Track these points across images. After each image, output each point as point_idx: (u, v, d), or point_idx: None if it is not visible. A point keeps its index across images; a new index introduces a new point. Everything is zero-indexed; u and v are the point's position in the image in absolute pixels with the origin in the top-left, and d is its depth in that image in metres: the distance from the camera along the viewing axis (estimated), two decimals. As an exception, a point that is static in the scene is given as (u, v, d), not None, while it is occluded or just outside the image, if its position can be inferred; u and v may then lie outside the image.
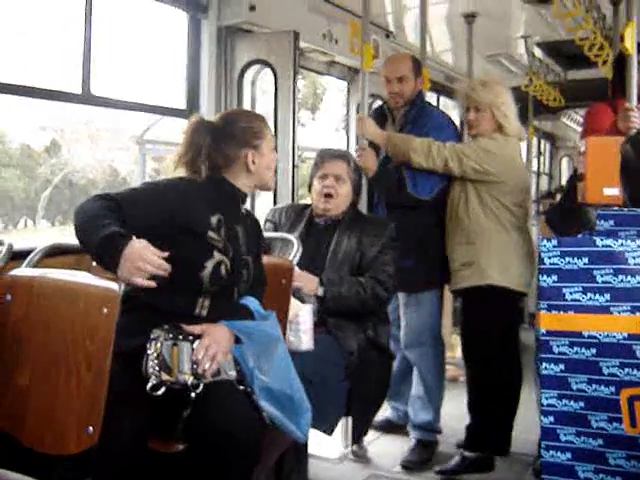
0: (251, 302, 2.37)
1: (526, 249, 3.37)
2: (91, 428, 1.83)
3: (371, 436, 3.73)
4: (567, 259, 2.20)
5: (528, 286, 3.40)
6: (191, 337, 2.15)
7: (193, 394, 2.06)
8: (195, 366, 2.10)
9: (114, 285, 1.91)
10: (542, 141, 9.96)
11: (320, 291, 2.85)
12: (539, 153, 9.93)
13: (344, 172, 3.08)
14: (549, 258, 2.22)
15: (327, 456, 3.51)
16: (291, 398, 2.24)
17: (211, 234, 2.27)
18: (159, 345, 2.09)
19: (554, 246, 2.23)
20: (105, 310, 1.87)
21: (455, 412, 3.68)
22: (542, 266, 2.24)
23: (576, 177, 3.03)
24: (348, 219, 3.08)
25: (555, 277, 2.22)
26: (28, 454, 1.94)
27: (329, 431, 2.84)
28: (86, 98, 3.17)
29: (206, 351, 2.12)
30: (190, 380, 2.07)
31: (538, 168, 9.74)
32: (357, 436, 3.36)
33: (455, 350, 5.05)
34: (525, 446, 3.45)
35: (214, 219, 2.30)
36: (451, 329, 5.06)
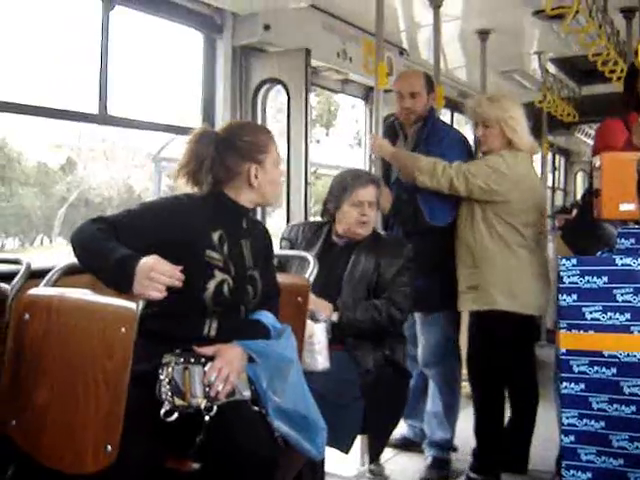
0: (265, 317, 2.35)
1: (538, 270, 3.31)
2: (109, 447, 1.84)
3: (388, 454, 3.71)
4: (587, 278, 2.19)
5: (541, 308, 3.37)
6: (203, 360, 2.13)
7: (207, 417, 2.05)
8: (208, 389, 2.09)
9: (132, 304, 1.92)
10: (557, 156, 9.94)
11: (335, 316, 2.84)
12: (554, 168, 9.90)
13: (375, 197, 3.07)
14: (568, 277, 2.21)
15: (344, 474, 3.49)
16: (305, 417, 2.22)
17: (210, 253, 2.23)
18: (170, 370, 2.08)
19: (573, 265, 2.22)
20: (123, 329, 1.88)
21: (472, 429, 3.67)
22: (561, 285, 2.23)
23: (591, 193, 3.02)
24: (367, 240, 3.07)
25: (575, 296, 2.22)
26: (46, 473, 1.95)
27: (346, 449, 2.83)
28: (103, 118, 3.20)
29: (218, 373, 2.10)
30: (203, 404, 2.06)
31: (553, 183, 9.71)
32: (374, 454, 3.34)
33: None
34: (544, 463, 3.42)
35: (215, 236, 2.26)
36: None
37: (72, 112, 3.20)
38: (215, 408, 2.06)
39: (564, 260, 2.21)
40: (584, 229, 3.01)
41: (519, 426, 3.47)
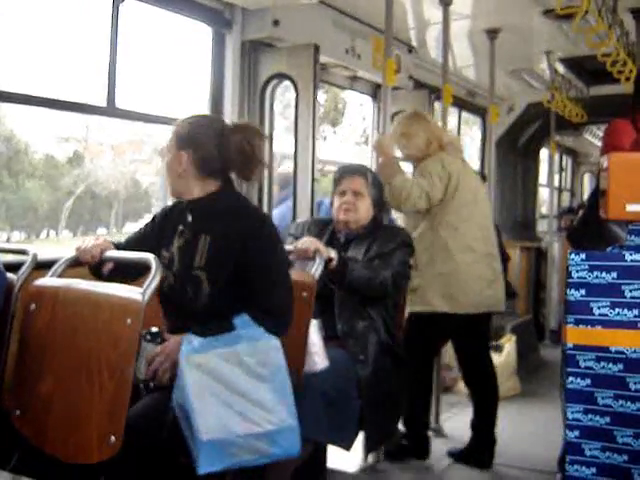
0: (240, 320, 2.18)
1: (479, 272, 3.46)
2: (113, 437, 1.84)
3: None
4: (595, 273, 2.20)
5: (480, 305, 3.49)
6: (159, 340, 2.17)
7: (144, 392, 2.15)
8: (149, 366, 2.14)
9: (138, 296, 1.93)
10: (564, 157, 9.92)
11: (333, 253, 2.79)
12: (561, 169, 9.89)
13: (362, 187, 3.09)
14: (577, 272, 2.22)
15: (345, 470, 3.50)
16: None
17: (163, 251, 2.36)
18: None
19: (582, 260, 2.22)
20: (129, 321, 1.89)
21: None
22: (570, 280, 2.23)
23: (596, 193, 3.02)
24: (366, 232, 3.09)
25: (583, 291, 2.22)
26: (50, 463, 1.96)
27: (347, 446, 2.84)
28: (111, 111, 3.21)
29: (157, 356, 2.13)
30: (142, 377, 2.12)
31: (560, 184, 9.71)
32: (369, 448, 3.35)
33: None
34: (545, 463, 3.42)
35: (179, 230, 2.37)
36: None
37: (80, 104, 3.20)
38: (151, 386, 2.14)
39: (573, 255, 2.22)
40: (589, 230, 3.01)
41: (479, 423, 3.61)
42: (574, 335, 2.22)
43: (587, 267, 2.22)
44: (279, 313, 2.26)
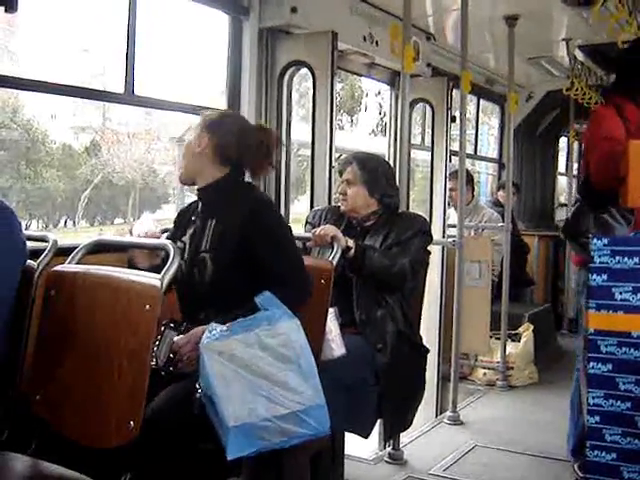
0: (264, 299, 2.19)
1: None
2: (132, 422, 1.85)
3: (407, 438, 3.72)
4: (617, 258, 2.19)
5: None
6: (182, 328, 2.24)
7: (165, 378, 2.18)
8: (172, 356, 2.19)
9: (157, 282, 1.93)
10: (583, 145, 9.84)
11: (351, 242, 2.84)
12: (580, 157, 9.80)
13: (351, 175, 3.12)
14: (599, 257, 2.21)
15: (363, 457, 3.51)
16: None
17: (178, 243, 2.42)
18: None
19: (605, 245, 2.21)
20: (147, 307, 1.90)
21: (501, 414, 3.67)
22: (592, 265, 2.22)
23: (588, 182, 3.00)
24: (382, 221, 3.09)
25: (605, 276, 2.21)
26: (69, 448, 1.98)
27: (365, 434, 2.84)
28: (129, 98, 3.21)
29: (184, 347, 2.19)
30: (162, 364, 2.17)
31: (579, 172, 9.63)
32: (387, 436, 3.36)
33: (494, 355, 5.02)
34: (565, 451, 3.41)
35: (191, 221, 2.49)
36: (489, 333, 5.02)
37: (98, 91, 3.22)
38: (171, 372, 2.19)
39: (595, 240, 2.20)
40: (584, 222, 2.97)
41: None
42: (595, 320, 2.21)
43: (609, 252, 2.21)
44: (295, 281, 2.33)
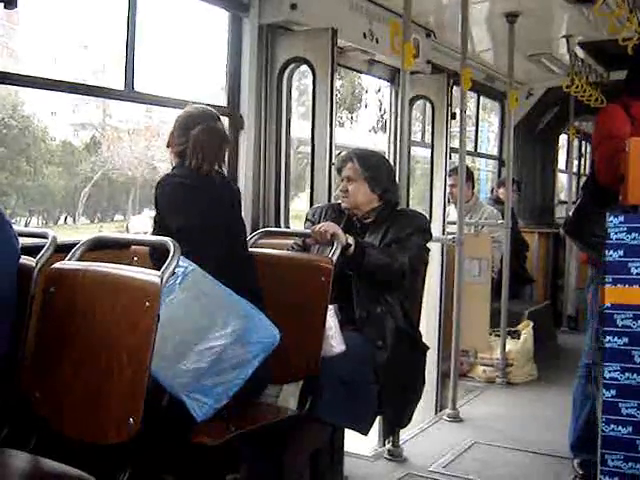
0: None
1: None
2: (132, 419, 1.85)
3: (407, 435, 3.73)
4: (633, 234, 2.28)
5: None
6: None
7: None
8: None
9: (156, 279, 1.93)
10: (583, 142, 9.84)
11: (351, 240, 2.83)
12: (580, 155, 9.81)
13: (352, 171, 3.12)
14: (615, 233, 2.30)
15: (362, 454, 3.51)
16: None
17: None
18: None
19: (621, 222, 2.30)
20: (147, 303, 1.89)
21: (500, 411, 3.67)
22: (609, 241, 2.30)
23: (593, 181, 3.00)
24: (382, 217, 3.09)
25: (621, 252, 2.30)
26: (68, 445, 1.98)
27: (365, 431, 2.84)
28: (129, 95, 3.20)
29: None
30: None
31: (579, 169, 9.63)
32: (387, 433, 3.36)
33: (493, 352, 5.03)
34: (566, 448, 3.42)
35: None
36: (489, 330, 5.03)
37: (98, 87, 3.21)
38: None
39: (612, 217, 2.31)
40: (587, 219, 2.98)
41: None
42: (612, 294, 2.29)
43: (625, 229, 2.29)
44: None
